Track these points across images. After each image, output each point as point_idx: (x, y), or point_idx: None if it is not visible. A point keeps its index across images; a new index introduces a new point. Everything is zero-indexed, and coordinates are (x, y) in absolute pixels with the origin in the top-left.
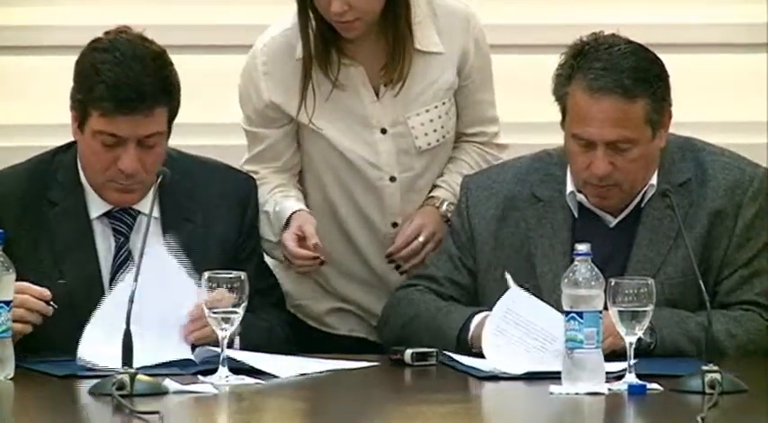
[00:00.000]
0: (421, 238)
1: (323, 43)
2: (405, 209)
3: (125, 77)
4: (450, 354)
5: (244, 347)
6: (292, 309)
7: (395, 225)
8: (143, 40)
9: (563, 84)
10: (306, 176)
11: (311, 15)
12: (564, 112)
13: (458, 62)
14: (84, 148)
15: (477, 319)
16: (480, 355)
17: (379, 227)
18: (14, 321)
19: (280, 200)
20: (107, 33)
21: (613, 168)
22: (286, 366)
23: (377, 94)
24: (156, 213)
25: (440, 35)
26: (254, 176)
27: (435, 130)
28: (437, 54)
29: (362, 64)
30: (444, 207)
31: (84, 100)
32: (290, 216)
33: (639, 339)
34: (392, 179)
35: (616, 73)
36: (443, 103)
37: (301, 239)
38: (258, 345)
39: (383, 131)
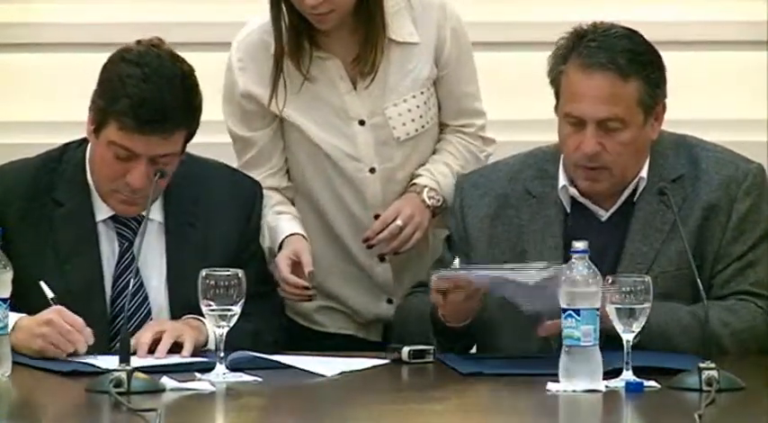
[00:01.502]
0: (399, 222)
1: (296, 36)
2: (386, 200)
3: (150, 96)
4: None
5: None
6: None
7: (377, 217)
8: (173, 58)
9: (558, 62)
10: (291, 174)
11: (284, 8)
12: (557, 94)
13: (434, 52)
14: (96, 152)
15: None
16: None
17: (361, 219)
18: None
19: (275, 218)
20: (138, 43)
21: (602, 149)
22: (328, 365)
23: (354, 86)
24: (159, 218)
25: (415, 25)
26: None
27: (414, 120)
28: (413, 44)
29: (337, 56)
30: (425, 193)
31: (106, 109)
32: (284, 240)
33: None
34: (372, 170)
35: (611, 51)
36: (422, 93)
37: (296, 264)
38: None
39: (361, 123)
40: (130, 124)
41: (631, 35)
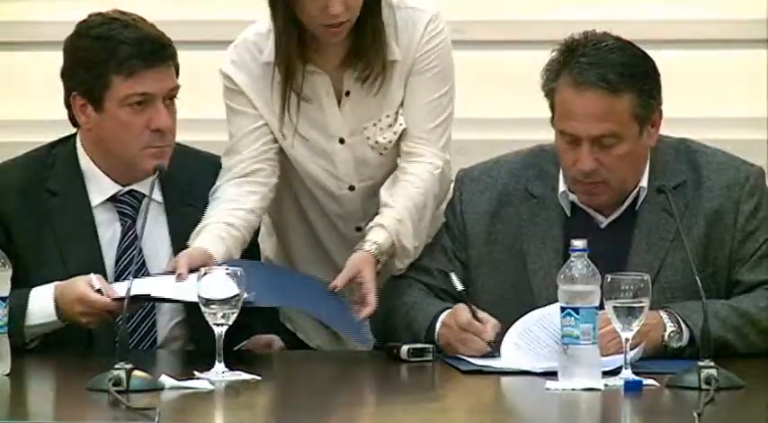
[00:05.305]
0: (367, 291)
1: (292, 53)
2: (367, 214)
3: (143, 33)
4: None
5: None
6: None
7: (358, 229)
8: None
9: (551, 79)
10: (281, 182)
11: (287, 26)
12: (552, 108)
13: (409, 67)
14: (109, 124)
15: (442, 317)
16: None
17: (344, 232)
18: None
19: (201, 227)
20: (85, 20)
21: (599, 165)
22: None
23: (338, 103)
24: (158, 198)
25: (397, 43)
26: (222, 178)
27: (394, 134)
28: (393, 62)
29: (324, 70)
30: (377, 256)
31: (103, 71)
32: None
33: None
34: (351, 188)
35: (601, 67)
36: (398, 112)
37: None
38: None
39: (341, 141)
40: (138, 64)
41: (622, 47)
